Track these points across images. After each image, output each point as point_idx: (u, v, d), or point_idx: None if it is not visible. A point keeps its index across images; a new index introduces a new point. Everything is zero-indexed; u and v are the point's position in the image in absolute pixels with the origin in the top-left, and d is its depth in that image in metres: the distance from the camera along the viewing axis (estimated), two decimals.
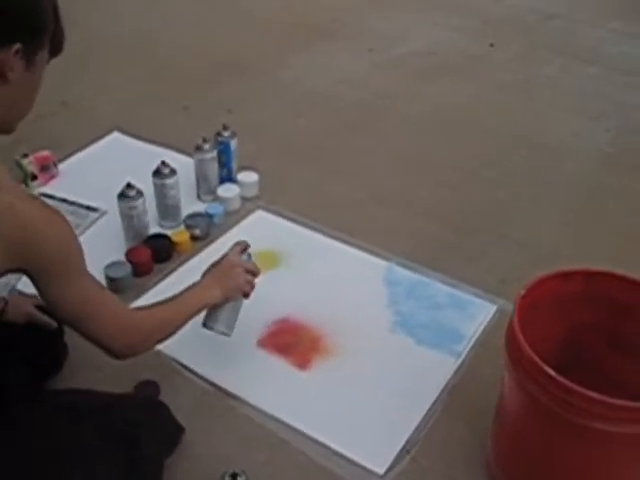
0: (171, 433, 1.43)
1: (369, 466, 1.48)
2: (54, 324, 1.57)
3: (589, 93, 2.98)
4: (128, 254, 1.95)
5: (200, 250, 2.04)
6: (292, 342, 1.76)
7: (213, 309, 1.56)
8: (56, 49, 1.22)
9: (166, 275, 1.95)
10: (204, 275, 1.56)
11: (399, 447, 1.51)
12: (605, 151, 2.59)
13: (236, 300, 1.59)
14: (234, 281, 1.55)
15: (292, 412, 1.58)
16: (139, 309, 1.42)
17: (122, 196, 1.97)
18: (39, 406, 1.30)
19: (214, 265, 1.58)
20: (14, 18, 1.10)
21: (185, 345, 1.72)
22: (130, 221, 2.00)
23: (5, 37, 1.09)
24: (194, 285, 1.51)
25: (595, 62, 3.23)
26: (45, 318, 1.57)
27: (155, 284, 1.92)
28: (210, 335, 1.75)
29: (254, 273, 1.61)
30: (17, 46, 1.10)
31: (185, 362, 1.69)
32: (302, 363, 1.71)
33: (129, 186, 1.96)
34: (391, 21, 3.63)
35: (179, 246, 2.03)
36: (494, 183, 2.39)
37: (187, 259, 2.01)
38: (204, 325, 1.57)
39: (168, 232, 2.06)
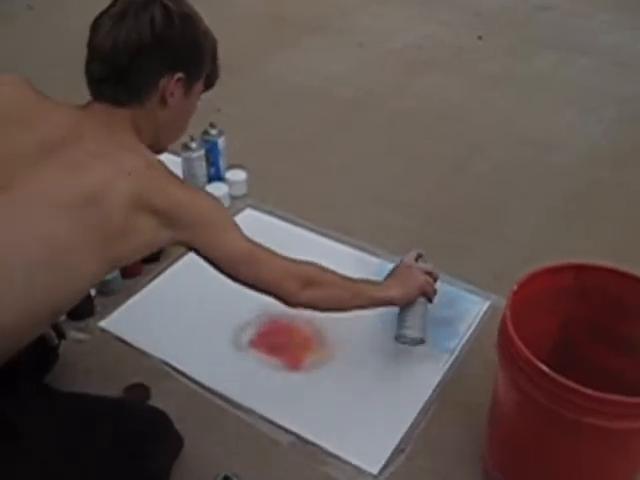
0: (173, 445, 1.41)
1: (363, 466, 1.46)
2: (56, 341, 1.56)
3: (581, 85, 2.97)
4: None
5: (189, 250, 2.02)
6: (283, 342, 1.74)
7: (401, 320, 1.61)
8: (210, 84, 1.43)
9: (155, 276, 1.93)
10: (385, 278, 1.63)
11: (393, 446, 1.50)
12: (598, 143, 2.58)
13: (421, 304, 1.62)
14: (413, 281, 1.60)
15: (284, 413, 1.56)
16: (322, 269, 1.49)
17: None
18: (51, 408, 1.29)
19: (392, 271, 1.65)
20: (182, 51, 1.30)
21: (174, 347, 1.71)
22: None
23: (171, 66, 1.29)
24: (374, 283, 1.59)
25: (587, 54, 3.22)
26: (51, 333, 1.55)
27: (144, 285, 1.90)
28: (199, 337, 1.74)
29: (433, 276, 1.66)
30: (179, 75, 1.30)
31: (175, 364, 1.67)
32: (294, 363, 1.69)
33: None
34: (380, 16, 3.62)
35: (168, 246, 2.00)
36: (486, 178, 2.38)
37: (176, 259, 1.98)
38: (397, 338, 1.61)
39: None
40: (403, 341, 1.62)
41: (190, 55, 1.33)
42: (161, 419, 1.39)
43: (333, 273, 1.50)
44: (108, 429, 1.27)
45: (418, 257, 1.69)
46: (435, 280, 1.66)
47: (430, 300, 1.65)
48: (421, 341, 1.61)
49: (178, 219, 1.26)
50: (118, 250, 1.22)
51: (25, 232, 1.14)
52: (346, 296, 1.50)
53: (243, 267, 1.36)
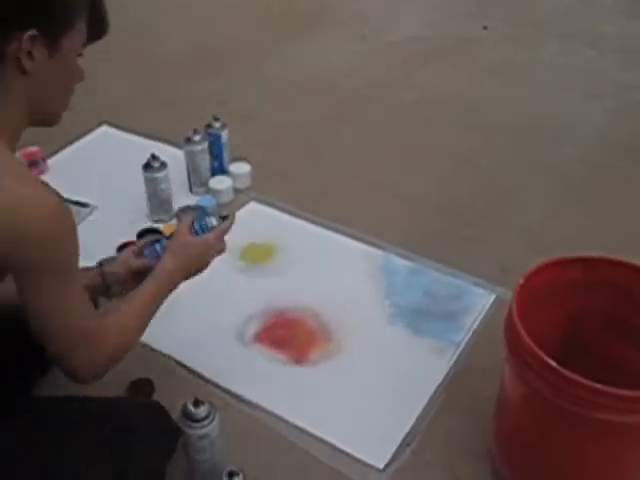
0: (168, 437, 1.38)
1: (368, 460, 1.45)
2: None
3: (585, 74, 2.95)
4: (119, 249, 1.91)
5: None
6: (288, 336, 1.73)
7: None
8: (97, 31, 1.14)
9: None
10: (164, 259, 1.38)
11: (399, 441, 1.49)
12: (603, 132, 2.55)
13: None
14: (202, 267, 1.43)
15: (289, 407, 1.56)
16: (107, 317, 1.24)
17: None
18: (25, 417, 1.23)
19: (175, 248, 1.39)
20: (22, 1, 1.01)
21: (179, 341, 1.70)
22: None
23: (14, 23, 1.01)
24: (156, 278, 1.35)
25: (591, 42, 3.19)
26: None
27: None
28: (204, 331, 1.73)
29: (221, 247, 1.45)
30: (31, 32, 1.01)
31: (179, 359, 1.66)
32: (299, 357, 1.68)
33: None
34: (383, 6, 3.59)
35: None
36: (491, 169, 2.36)
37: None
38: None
39: (159, 226, 2.03)
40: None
41: (40, 3, 1.03)
42: (153, 409, 1.35)
43: (124, 315, 1.27)
44: (89, 429, 1.21)
45: (223, 218, 1.47)
46: (220, 251, 1.45)
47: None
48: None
49: (9, 234, 1.00)
50: None
51: None
52: (146, 320, 1.31)
53: (50, 337, 1.11)
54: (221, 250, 1.45)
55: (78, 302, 1.13)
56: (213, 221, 1.45)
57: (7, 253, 1.02)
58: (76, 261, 1.11)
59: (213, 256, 1.44)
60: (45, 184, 1.07)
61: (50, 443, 1.17)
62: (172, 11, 3.50)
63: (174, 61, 3.03)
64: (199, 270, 1.43)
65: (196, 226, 1.44)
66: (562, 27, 3.35)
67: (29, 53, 1.03)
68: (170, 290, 1.37)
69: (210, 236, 1.42)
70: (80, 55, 1.14)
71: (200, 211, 1.40)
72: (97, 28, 1.14)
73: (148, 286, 1.34)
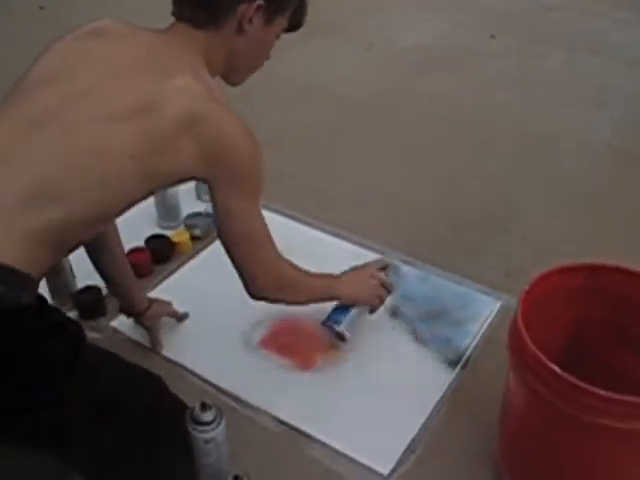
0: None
1: (373, 466, 1.46)
2: (160, 347, 1.70)
3: (592, 84, 2.96)
4: (127, 255, 1.92)
5: (200, 250, 2.03)
6: (294, 342, 1.74)
7: (337, 312, 1.64)
8: (295, 24, 1.41)
9: (166, 276, 1.93)
10: (343, 272, 1.64)
11: (404, 447, 1.49)
12: (610, 142, 2.56)
13: (361, 308, 1.65)
14: (367, 290, 1.64)
15: (295, 412, 1.57)
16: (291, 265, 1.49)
17: None
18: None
19: (355, 268, 1.67)
20: None
21: (186, 346, 1.71)
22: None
23: None
24: (331, 276, 1.60)
25: (598, 52, 3.20)
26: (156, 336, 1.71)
27: (155, 286, 1.90)
28: (210, 336, 1.74)
29: (389, 290, 1.67)
30: (260, 2, 1.26)
31: (186, 363, 1.67)
32: (304, 363, 1.69)
33: None
34: (390, 16, 3.61)
35: (179, 246, 2.01)
36: (497, 177, 2.37)
37: (187, 260, 1.99)
38: (324, 323, 1.65)
39: (168, 233, 2.04)
40: (329, 327, 1.65)
41: None
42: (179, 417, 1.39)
43: (308, 275, 1.53)
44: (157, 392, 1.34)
45: (384, 267, 1.70)
46: (389, 293, 1.68)
47: (372, 311, 1.69)
48: (340, 336, 1.65)
49: (217, 157, 1.23)
50: (158, 164, 1.19)
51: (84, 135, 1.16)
52: (310, 298, 1.56)
53: (239, 240, 1.35)
54: (390, 288, 1.68)
55: (262, 221, 1.38)
56: (338, 329, 1.65)
57: (213, 165, 1.24)
58: (261, 182, 1.35)
59: (381, 291, 1.66)
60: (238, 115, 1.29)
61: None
62: None
63: None
64: (370, 290, 1.65)
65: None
66: (569, 37, 3.37)
67: (250, 19, 1.28)
68: (334, 293, 1.60)
69: (384, 276, 1.68)
70: (278, 38, 1.41)
71: None
72: (296, 21, 1.41)
73: (325, 277, 1.59)
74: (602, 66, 3.09)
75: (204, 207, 2.14)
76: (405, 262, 1.98)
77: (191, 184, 2.19)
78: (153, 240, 2.01)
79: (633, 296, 1.33)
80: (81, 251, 1.83)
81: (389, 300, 1.84)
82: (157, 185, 1.26)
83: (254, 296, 1.43)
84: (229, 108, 1.26)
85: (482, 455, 1.47)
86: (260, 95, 2.83)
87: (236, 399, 1.60)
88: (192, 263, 1.98)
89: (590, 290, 1.36)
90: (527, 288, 1.28)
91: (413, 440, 1.50)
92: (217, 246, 2.00)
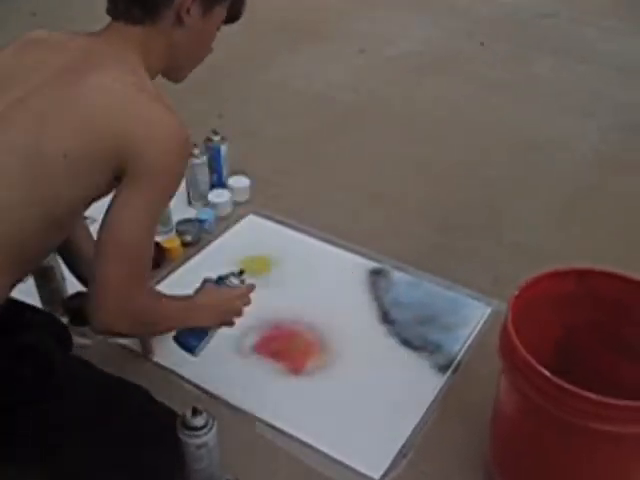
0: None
1: (365, 471, 1.46)
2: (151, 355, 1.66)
3: (581, 91, 2.98)
4: None
5: (191, 256, 2.03)
6: (286, 347, 1.74)
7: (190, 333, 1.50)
8: (234, 14, 1.34)
9: (157, 282, 1.93)
10: (198, 291, 1.48)
11: (395, 451, 1.50)
12: (598, 149, 2.58)
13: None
14: (226, 316, 1.50)
15: (286, 417, 1.57)
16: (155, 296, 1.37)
17: None
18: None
19: (208, 290, 1.49)
20: None
21: (176, 352, 1.70)
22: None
23: None
24: (189, 299, 1.45)
25: (587, 60, 3.22)
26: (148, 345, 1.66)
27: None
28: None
29: (245, 299, 1.52)
30: None
31: (176, 369, 1.67)
32: (296, 368, 1.69)
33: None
34: (382, 22, 3.63)
35: (170, 253, 2.01)
36: (486, 182, 2.38)
37: (178, 266, 1.99)
38: (175, 338, 1.51)
39: (158, 239, 2.04)
40: (178, 343, 1.50)
41: None
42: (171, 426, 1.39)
43: (162, 306, 1.35)
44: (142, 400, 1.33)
45: (240, 273, 1.56)
46: (247, 304, 1.51)
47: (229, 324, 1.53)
48: (188, 349, 1.50)
49: (134, 151, 1.15)
50: (87, 163, 1.15)
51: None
52: (157, 329, 1.43)
53: (111, 254, 1.18)
54: (247, 303, 1.52)
55: (152, 241, 1.25)
56: (234, 281, 1.52)
57: (131, 155, 1.15)
58: (174, 191, 1.23)
59: (241, 306, 1.50)
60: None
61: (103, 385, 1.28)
62: None
63: None
64: (228, 313, 1.50)
65: (220, 283, 1.51)
66: (560, 45, 3.39)
67: (188, 9, 1.23)
68: (192, 320, 1.44)
69: (237, 290, 1.51)
70: (218, 29, 1.35)
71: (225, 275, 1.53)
72: (236, 11, 1.35)
73: (181, 302, 1.42)
74: (591, 73, 3.11)
75: (195, 213, 2.14)
76: (396, 267, 1.98)
77: (182, 189, 2.19)
78: None
79: (622, 301, 1.34)
80: None
81: (380, 306, 1.86)
82: (90, 186, 1.19)
83: (95, 323, 1.23)
84: (163, 103, 1.20)
85: (473, 459, 1.47)
86: (254, 102, 2.85)
87: (227, 404, 1.59)
88: (183, 269, 1.98)
89: (579, 295, 1.37)
90: (517, 293, 1.29)
91: (404, 444, 1.51)
92: (208, 252, 2.04)
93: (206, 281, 1.52)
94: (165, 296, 1.41)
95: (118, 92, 1.16)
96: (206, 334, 1.49)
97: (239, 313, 1.51)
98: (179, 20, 1.24)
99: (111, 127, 1.14)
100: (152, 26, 1.24)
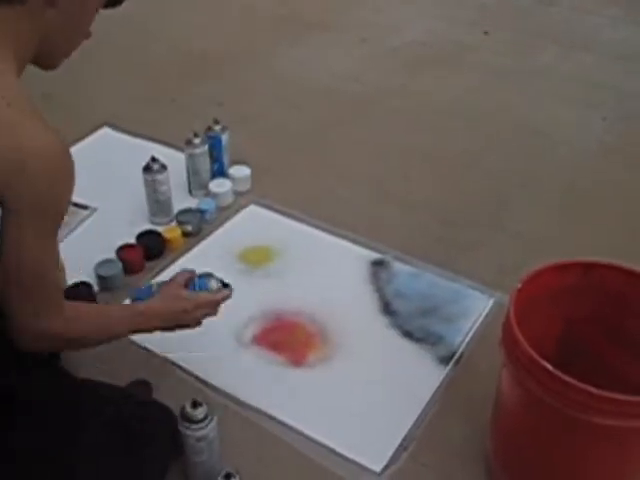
0: (176, 441, 1.38)
1: (366, 463, 1.45)
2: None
3: (586, 81, 2.95)
4: (119, 252, 1.92)
5: (192, 246, 2.02)
6: (287, 339, 1.74)
7: None
8: None
9: (158, 273, 1.92)
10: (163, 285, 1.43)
11: (396, 444, 1.49)
12: (602, 139, 2.56)
13: None
14: (187, 323, 1.42)
15: (287, 410, 1.56)
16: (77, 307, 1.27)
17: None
18: (55, 382, 1.30)
19: (169, 294, 1.40)
20: None
21: (177, 343, 1.70)
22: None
23: None
24: (134, 311, 1.38)
25: (592, 49, 3.19)
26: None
27: (147, 282, 1.89)
28: (202, 333, 1.72)
29: (212, 312, 1.45)
30: None
31: (177, 361, 1.67)
32: (297, 360, 1.68)
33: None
34: (384, 11, 3.60)
35: (171, 243, 2.00)
36: (490, 173, 2.36)
37: (179, 256, 1.98)
38: None
39: (159, 229, 2.03)
40: None
41: None
42: (166, 413, 1.39)
43: (93, 323, 1.28)
44: (112, 410, 1.28)
45: (224, 285, 1.47)
46: (210, 314, 1.44)
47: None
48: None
49: (8, 176, 1.02)
50: None
51: None
52: (93, 332, 1.29)
53: (14, 293, 1.11)
54: (212, 314, 1.44)
55: (54, 260, 1.16)
56: (213, 285, 1.45)
57: (6, 187, 1.03)
58: (64, 212, 1.12)
59: (200, 318, 1.43)
60: (50, 126, 1.08)
61: (71, 406, 1.24)
62: (175, 15, 3.50)
63: (176, 64, 3.04)
64: (182, 326, 1.42)
65: (196, 282, 1.45)
66: (564, 34, 3.36)
67: None
68: (140, 330, 1.38)
69: (202, 298, 1.41)
70: (97, 12, 1.19)
71: (206, 275, 1.45)
72: None
73: (123, 311, 1.38)
74: (594, 62, 3.09)
75: (196, 203, 2.13)
76: (398, 258, 1.97)
77: (183, 178, 2.18)
78: (145, 236, 2.00)
79: (626, 294, 1.33)
80: (72, 247, 1.84)
81: (381, 297, 1.85)
82: None
83: (20, 347, 1.17)
84: (35, 116, 1.06)
85: (474, 452, 1.46)
86: (255, 92, 2.83)
87: (227, 396, 1.59)
88: (184, 259, 1.97)
89: (582, 287, 1.36)
90: (520, 285, 1.28)
91: (405, 437, 1.50)
92: (209, 243, 2.03)
93: (178, 274, 1.45)
94: (108, 307, 1.37)
95: None
96: None
97: (197, 324, 1.44)
98: (52, 1, 1.10)
99: None
100: (20, 6, 1.07)
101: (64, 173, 1.08)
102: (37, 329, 1.15)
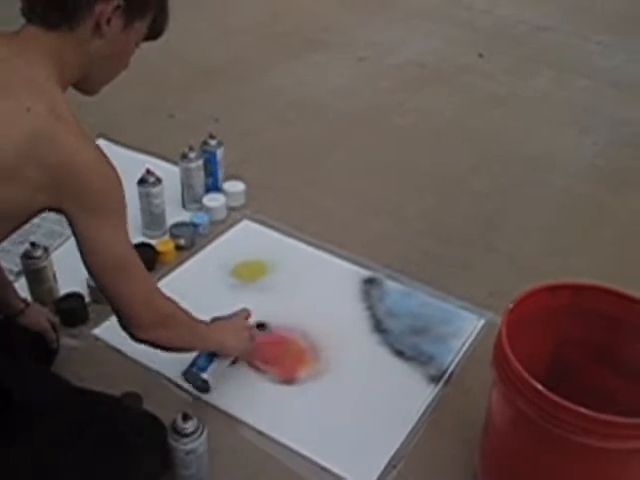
0: (167, 455, 1.38)
1: None
2: (55, 344, 1.61)
3: (578, 106, 2.98)
4: None
5: (185, 260, 2.02)
6: (278, 354, 1.73)
7: (201, 359, 1.57)
8: (154, 32, 1.28)
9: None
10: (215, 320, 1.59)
11: (385, 462, 1.49)
12: (593, 164, 2.58)
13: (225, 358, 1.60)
14: (238, 342, 1.59)
15: (277, 426, 1.56)
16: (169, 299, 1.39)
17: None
18: (52, 387, 1.32)
19: (223, 317, 1.62)
20: None
21: (168, 357, 1.69)
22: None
23: None
24: (215, 325, 1.56)
25: (585, 75, 3.23)
26: (52, 335, 1.61)
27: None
28: None
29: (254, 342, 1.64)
30: (118, 1, 1.15)
31: (167, 374, 1.66)
32: (287, 375, 1.68)
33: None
34: (381, 31, 3.63)
35: (163, 256, 2.00)
36: (482, 195, 2.38)
37: (171, 269, 1.98)
38: (185, 373, 1.58)
39: (152, 241, 2.03)
40: (191, 377, 1.59)
41: None
42: (158, 426, 1.39)
43: (186, 312, 1.42)
44: (107, 416, 1.30)
45: (248, 316, 1.68)
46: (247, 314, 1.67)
47: (234, 362, 1.64)
48: (204, 386, 1.58)
49: (66, 182, 1.11)
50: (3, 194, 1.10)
51: None
52: (191, 340, 1.46)
53: (109, 271, 1.22)
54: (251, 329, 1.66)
55: (130, 248, 1.26)
56: (204, 376, 1.56)
57: (64, 198, 1.13)
58: (124, 204, 1.23)
59: (246, 332, 1.63)
60: (92, 139, 1.19)
61: (67, 409, 1.27)
62: (176, 29, 3.50)
63: (173, 77, 3.05)
64: (246, 337, 1.62)
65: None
66: (558, 59, 3.40)
67: (109, 19, 1.16)
68: (224, 340, 1.56)
69: (240, 312, 1.66)
70: (137, 46, 1.28)
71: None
72: (158, 27, 1.28)
73: (208, 331, 1.52)
74: (588, 88, 3.12)
75: (189, 217, 2.13)
76: (390, 277, 1.98)
77: (177, 192, 2.19)
78: (137, 248, 1.96)
79: (616, 316, 1.34)
80: (65, 258, 1.83)
81: (373, 315, 1.85)
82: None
83: (135, 336, 1.31)
84: (79, 127, 1.14)
85: (463, 471, 1.46)
86: (251, 108, 2.85)
87: (218, 411, 1.58)
88: (176, 273, 1.97)
89: (573, 309, 1.37)
90: (512, 305, 1.29)
91: (394, 455, 1.50)
92: (202, 257, 2.03)
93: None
94: (195, 318, 1.46)
95: (33, 123, 1.07)
96: (213, 359, 1.57)
97: (251, 347, 1.63)
98: (98, 30, 1.17)
99: (30, 164, 1.08)
100: (69, 33, 1.15)
101: (113, 173, 1.19)
102: (151, 311, 1.29)
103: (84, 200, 1.15)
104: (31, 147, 1.07)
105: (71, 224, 1.18)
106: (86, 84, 1.26)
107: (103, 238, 1.18)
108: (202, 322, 1.49)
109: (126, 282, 1.24)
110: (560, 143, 2.71)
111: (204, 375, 1.55)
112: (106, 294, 1.25)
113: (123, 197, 1.21)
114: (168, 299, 1.36)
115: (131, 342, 1.67)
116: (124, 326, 1.29)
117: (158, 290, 1.34)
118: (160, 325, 1.32)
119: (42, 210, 1.16)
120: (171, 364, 1.67)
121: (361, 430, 1.56)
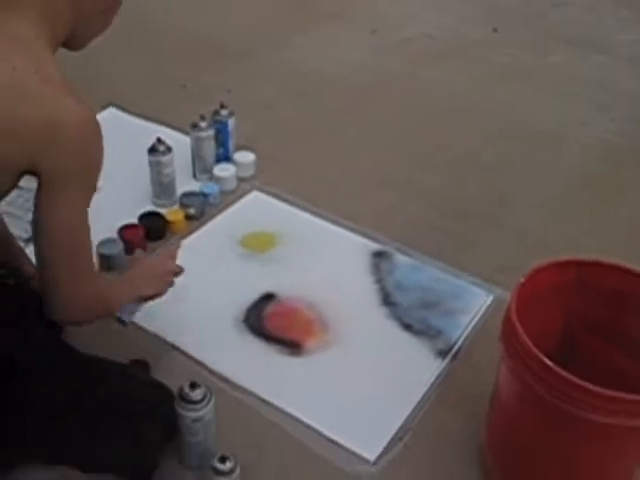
0: (173, 421, 1.38)
1: (360, 452, 1.46)
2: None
3: (595, 82, 2.94)
4: (121, 232, 1.92)
5: (194, 230, 2.02)
6: (286, 325, 1.74)
7: None
8: None
9: (158, 254, 1.92)
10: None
11: (391, 434, 1.49)
12: (610, 141, 2.56)
13: None
14: (166, 278, 1.54)
15: (284, 396, 1.56)
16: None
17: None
18: (59, 352, 1.32)
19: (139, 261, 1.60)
20: None
21: (176, 325, 1.70)
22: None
23: None
24: (127, 274, 1.53)
25: (602, 51, 3.18)
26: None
27: None
28: (201, 317, 1.73)
29: (177, 273, 1.56)
30: None
31: (175, 342, 1.67)
32: (295, 346, 1.69)
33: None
34: (395, 4, 3.59)
35: (173, 225, 2.00)
36: (494, 170, 2.36)
37: (180, 238, 1.98)
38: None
39: (162, 211, 2.03)
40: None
41: None
42: (165, 394, 1.39)
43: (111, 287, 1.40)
44: (112, 383, 1.31)
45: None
46: (177, 275, 1.56)
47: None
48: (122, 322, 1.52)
49: (43, 143, 1.08)
50: None
51: None
52: (106, 310, 1.38)
53: (58, 248, 1.17)
54: (171, 271, 1.55)
55: (88, 228, 1.21)
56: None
57: (41, 159, 1.09)
58: (97, 180, 1.18)
59: (174, 266, 1.56)
60: (81, 99, 1.13)
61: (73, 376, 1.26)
62: (185, 1, 3.49)
63: (186, 49, 3.03)
64: (166, 274, 1.54)
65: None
66: (574, 34, 3.35)
67: None
68: (138, 291, 1.48)
69: (165, 250, 1.64)
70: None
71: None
72: None
73: (122, 278, 1.52)
74: (605, 64, 3.08)
75: (199, 186, 2.13)
76: (400, 251, 1.97)
77: (188, 162, 2.18)
78: (147, 217, 1.99)
79: (627, 294, 1.33)
80: None
81: (382, 288, 1.85)
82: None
83: (55, 316, 1.25)
84: (68, 91, 1.11)
85: (469, 444, 1.47)
86: (263, 80, 2.83)
87: (225, 380, 1.59)
88: (187, 242, 1.96)
89: (582, 285, 1.37)
90: (522, 281, 1.28)
91: (401, 428, 1.51)
92: (211, 227, 2.03)
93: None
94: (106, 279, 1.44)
95: (19, 87, 1.06)
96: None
97: (176, 271, 1.55)
98: None
99: (13, 130, 1.06)
100: None
101: (94, 143, 1.14)
102: (74, 294, 1.21)
103: (57, 164, 1.10)
104: (14, 104, 1.05)
105: (37, 188, 1.14)
106: (74, 41, 1.23)
107: (64, 206, 1.13)
108: (114, 284, 1.46)
109: (70, 275, 1.20)
110: (576, 119, 2.67)
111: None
112: (41, 270, 1.21)
113: (96, 171, 1.17)
114: (100, 284, 1.31)
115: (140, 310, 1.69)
116: (46, 303, 1.23)
117: (91, 277, 1.27)
118: (82, 316, 1.29)
119: (23, 172, 1.12)
120: (180, 333, 1.68)
121: (368, 402, 1.56)
